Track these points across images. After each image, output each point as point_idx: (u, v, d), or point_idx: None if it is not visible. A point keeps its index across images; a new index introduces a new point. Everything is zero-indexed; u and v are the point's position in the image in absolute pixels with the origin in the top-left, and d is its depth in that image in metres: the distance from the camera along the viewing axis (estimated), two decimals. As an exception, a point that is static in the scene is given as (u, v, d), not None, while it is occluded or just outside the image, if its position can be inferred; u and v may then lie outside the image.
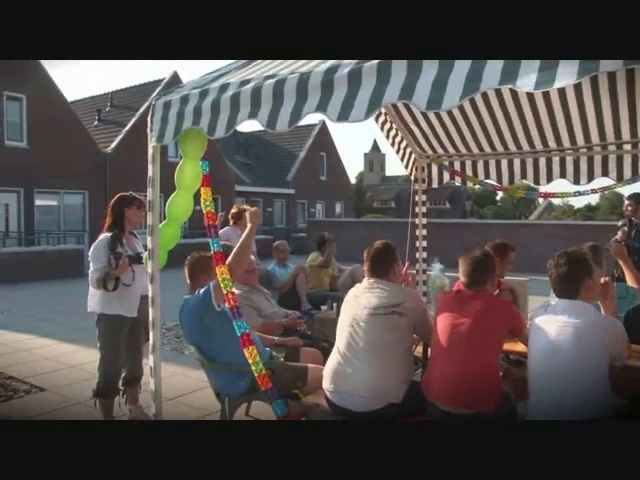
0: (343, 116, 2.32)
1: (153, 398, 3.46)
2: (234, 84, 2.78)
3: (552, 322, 2.73)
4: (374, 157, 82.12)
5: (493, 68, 2.00)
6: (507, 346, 3.22)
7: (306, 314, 6.05)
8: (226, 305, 3.51)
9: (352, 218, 31.79)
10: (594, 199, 70.38)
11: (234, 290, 4.42)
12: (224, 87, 2.82)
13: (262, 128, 2.65)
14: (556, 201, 66.83)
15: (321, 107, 2.39)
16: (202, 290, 3.49)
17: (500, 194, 64.66)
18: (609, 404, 2.62)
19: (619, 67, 1.85)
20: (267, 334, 4.25)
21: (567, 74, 1.86)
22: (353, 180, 54.46)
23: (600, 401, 2.60)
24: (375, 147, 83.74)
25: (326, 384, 3.21)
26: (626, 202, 6.98)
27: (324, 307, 6.38)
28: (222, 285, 3.31)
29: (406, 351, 3.20)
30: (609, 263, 4.57)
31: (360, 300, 3.26)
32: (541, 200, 64.45)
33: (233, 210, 6.85)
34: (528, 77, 1.92)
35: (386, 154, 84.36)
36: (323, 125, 33.61)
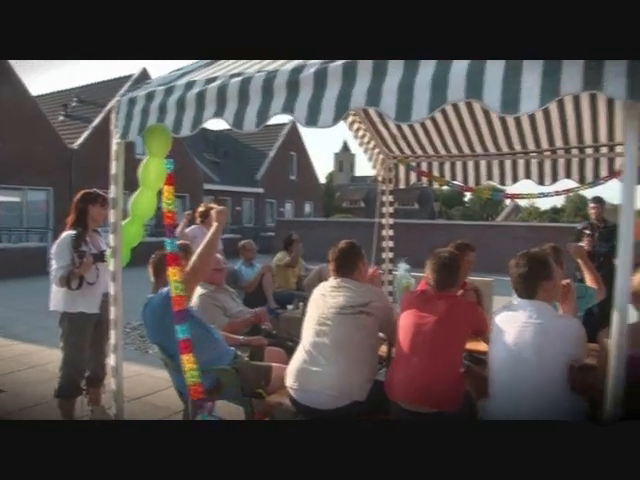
0: (312, 120, 2.32)
1: (114, 398, 3.41)
2: (200, 82, 2.76)
3: (513, 322, 2.78)
4: (344, 157, 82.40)
5: (458, 75, 2.03)
6: (470, 345, 3.26)
7: (272, 313, 6.06)
8: (191, 304, 3.48)
9: (321, 218, 31.83)
10: (559, 201, 71.81)
11: (199, 289, 4.44)
12: (190, 85, 2.79)
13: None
14: (523, 203, 67.99)
15: (288, 108, 2.39)
16: (165, 289, 3.46)
17: (468, 195, 65.62)
18: (568, 403, 2.68)
19: (578, 91, 1.90)
20: (233, 333, 4.23)
21: (531, 98, 1.89)
22: (323, 180, 54.53)
23: (559, 400, 2.65)
24: (345, 147, 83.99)
25: (290, 382, 3.21)
26: (591, 205, 7.11)
27: (290, 306, 6.39)
28: (172, 287, 3.27)
29: (371, 350, 3.23)
30: (571, 264, 4.67)
31: (327, 299, 3.27)
32: (508, 202, 65.58)
33: (200, 209, 6.80)
34: (493, 96, 1.96)
35: (356, 154, 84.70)
36: (293, 125, 33.55)
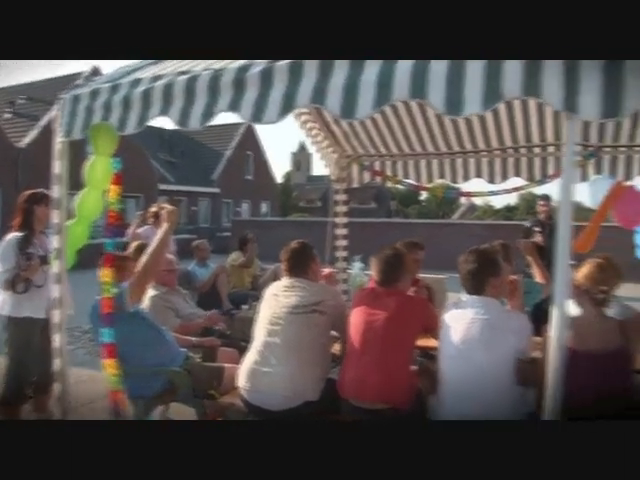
0: (256, 117, 2.33)
1: (58, 403, 3.33)
2: (146, 80, 2.71)
3: (461, 318, 2.82)
4: (301, 156, 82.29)
5: (403, 74, 2.04)
6: (422, 342, 3.29)
7: (227, 313, 6.01)
8: (141, 306, 3.43)
9: (278, 217, 31.76)
10: (513, 200, 73.30)
11: (150, 291, 4.36)
12: (136, 82, 2.74)
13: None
14: (478, 201, 69.24)
15: (234, 106, 2.38)
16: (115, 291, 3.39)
17: (424, 194, 66.52)
18: (516, 396, 2.73)
19: (518, 96, 1.95)
20: (185, 335, 4.18)
21: (475, 101, 1.93)
22: (280, 179, 54.42)
23: (507, 394, 2.70)
24: (302, 147, 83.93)
25: (242, 383, 3.19)
26: (539, 203, 7.28)
27: (245, 306, 6.34)
28: (103, 288, 3.22)
29: (324, 349, 3.24)
30: (521, 260, 4.78)
31: (280, 299, 3.27)
32: (464, 200, 66.68)
33: (153, 209, 6.69)
34: (437, 97, 1.99)
35: (312, 154, 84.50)
36: (249, 124, 33.35)
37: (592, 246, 4.62)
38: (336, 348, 3.64)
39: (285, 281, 3.38)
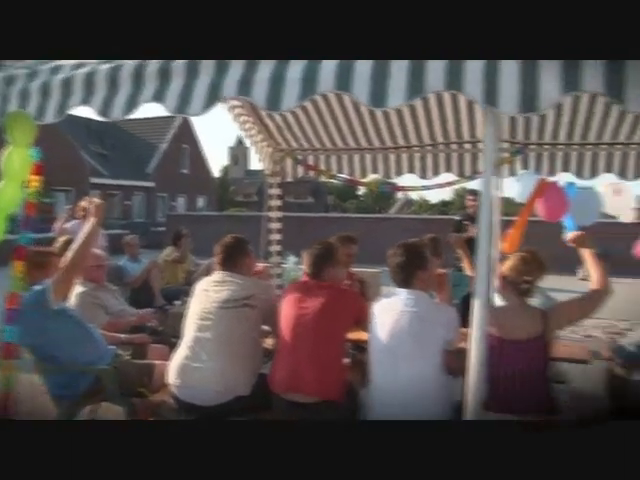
0: (181, 109, 2.29)
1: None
2: (67, 67, 2.60)
3: (390, 311, 2.86)
4: (238, 150, 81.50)
5: (328, 69, 2.06)
6: (355, 335, 3.31)
7: (160, 309, 5.90)
8: (66, 304, 3.31)
9: (214, 212, 31.39)
10: (448, 195, 75.10)
11: (78, 287, 4.22)
12: (55, 69, 2.62)
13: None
14: (414, 196, 70.53)
15: (158, 97, 2.33)
16: (36, 288, 3.27)
17: (362, 189, 67.20)
18: (445, 387, 2.79)
19: (441, 89, 2.02)
20: (114, 332, 4.07)
21: (398, 94, 1.98)
22: (217, 174, 53.80)
23: (436, 384, 2.76)
24: (240, 141, 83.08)
25: (172, 379, 3.14)
26: (468, 197, 7.44)
27: (178, 302, 6.24)
28: (13, 283, 3.10)
29: (255, 343, 3.23)
30: (452, 254, 4.89)
31: (210, 294, 3.24)
32: (400, 195, 67.85)
33: (83, 203, 6.48)
34: (362, 90, 2.02)
35: (250, 148, 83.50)
36: (186, 117, 32.78)
37: (518, 245, 4.79)
38: (269, 342, 3.63)
39: (216, 276, 3.37)
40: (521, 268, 2.80)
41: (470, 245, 5.84)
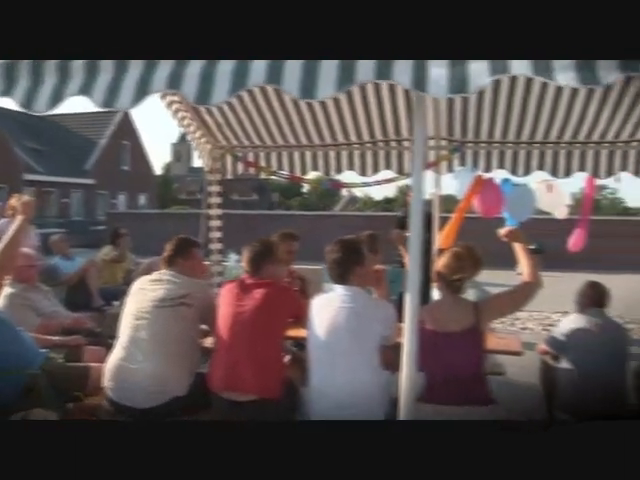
0: (109, 102, 2.23)
1: None
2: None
3: (327, 307, 2.88)
4: (181, 147, 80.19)
5: (259, 66, 2.06)
6: (294, 332, 3.31)
7: (97, 310, 5.76)
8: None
9: (156, 210, 30.79)
10: (392, 192, 75.92)
11: (7, 289, 4.05)
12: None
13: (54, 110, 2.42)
14: (358, 193, 71.07)
15: (85, 90, 2.25)
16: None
17: (306, 187, 67.38)
18: (382, 383, 2.82)
19: (371, 79, 2.03)
20: (46, 335, 3.93)
21: (328, 85, 2.00)
22: (159, 171, 52.85)
23: (373, 380, 2.78)
24: (182, 137, 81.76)
25: (107, 381, 3.07)
26: (410, 194, 7.55)
27: (117, 303, 6.09)
28: None
29: (192, 342, 3.19)
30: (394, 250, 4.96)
31: (147, 292, 3.20)
32: (345, 192, 68.26)
33: (11, 201, 6.22)
34: (292, 82, 2.03)
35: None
36: (126, 112, 32.02)
37: (454, 239, 4.90)
38: (208, 341, 3.60)
39: (155, 274, 3.32)
40: (453, 264, 2.84)
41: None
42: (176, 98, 4.65)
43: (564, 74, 1.86)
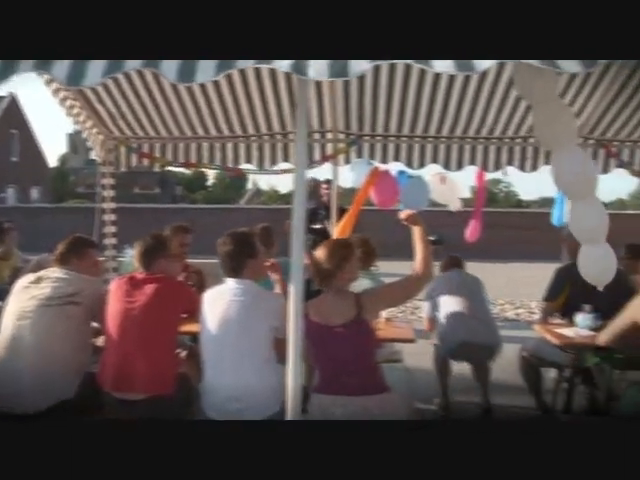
0: None
1: None
2: None
3: (220, 300, 2.86)
4: (78, 138, 76.67)
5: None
6: (191, 327, 3.24)
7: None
8: None
9: (50, 204, 29.24)
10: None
11: None
12: None
13: None
14: (264, 186, 70.85)
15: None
16: None
17: (211, 180, 66.46)
18: (277, 375, 2.80)
19: (251, 64, 2.07)
20: None
21: (207, 70, 1.98)
22: (54, 163, 50.27)
23: (267, 373, 2.78)
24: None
25: (-13, 386, 2.88)
26: (322, 186, 7.56)
27: (2, 303, 5.74)
28: None
29: (80, 342, 3.07)
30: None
31: (31, 291, 3.05)
32: (250, 186, 67.88)
33: None
34: (171, 67, 2.00)
35: (91, 136, 78.85)
36: (13, 99, 30.14)
37: (351, 229, 5.00)
38: (100, 340, 3.47)
39: (41, 272, 3.18)
40: (328, 256, 2.75)
41: (324, 234, 6.03)
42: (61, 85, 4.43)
43: (442, 61, 1.92)
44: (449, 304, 4.19)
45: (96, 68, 2.00)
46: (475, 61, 1.94)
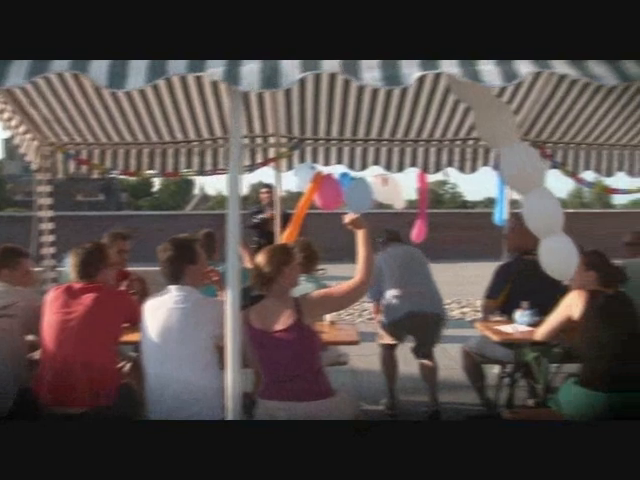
0: None
1: None
2: None
3: (161, 308, 2.81)
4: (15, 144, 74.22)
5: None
6: (132, 337, 3.18)
7: None
8: None
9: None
10: (244, 189, 75.82)
11: None
12: None
13: None
14: (211, 192, 70.28)
15: None
16: None
17: (157, 186, 65.33)
18: (216, 382, 2.75)
19: (182, 72, 2.08)
20: None
21: (137, 77, 1.96)
22: (-11, 170, 48.41)
23: (207, 380, 2.75)
24: (17, 134, 75.46)
25: None
26: (262, 190, 7.57)
27: None
28: None
29: (13, 356, 2.96)
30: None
31: None
32: (197, 191, 67.16)
33: None
34: (100, 72, 1.99)
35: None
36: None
37: (297, 234, 5.01)
38: (38, 354, 3.37)
39: None
40: (266, 261, 2.75)
41: (269, 237, 6.00)
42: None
43: (370, 73, 1.96)
44: (394, 279, 4.27)
45: (19, 69, 1.95)
46: (403, 72, 1.99)
